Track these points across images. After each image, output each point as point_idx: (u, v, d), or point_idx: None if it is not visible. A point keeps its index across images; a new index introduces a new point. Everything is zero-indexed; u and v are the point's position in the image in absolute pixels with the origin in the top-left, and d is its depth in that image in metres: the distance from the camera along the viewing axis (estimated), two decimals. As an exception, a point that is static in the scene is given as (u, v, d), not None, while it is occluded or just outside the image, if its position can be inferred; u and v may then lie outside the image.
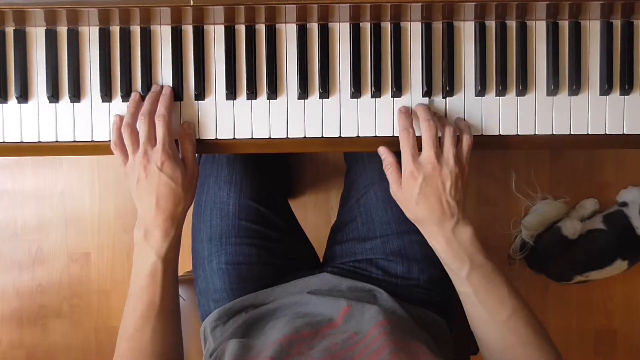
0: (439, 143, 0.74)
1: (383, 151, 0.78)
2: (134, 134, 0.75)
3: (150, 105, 0.76)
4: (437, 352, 0.73)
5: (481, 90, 0.80)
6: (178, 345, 0.79)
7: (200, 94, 0.79)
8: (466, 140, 0.76)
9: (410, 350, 0.68)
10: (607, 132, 0.81)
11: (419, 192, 0.73)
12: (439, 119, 0.77)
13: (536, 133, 0.81)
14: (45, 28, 0.78)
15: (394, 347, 0.66)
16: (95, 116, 0.79)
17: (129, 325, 0.75)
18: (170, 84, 0.79)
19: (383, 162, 0.78)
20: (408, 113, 0.78)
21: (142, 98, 0.78)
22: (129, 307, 0.75)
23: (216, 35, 0.79)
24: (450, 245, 0.74)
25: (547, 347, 0.72)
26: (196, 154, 0.79)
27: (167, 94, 0.77)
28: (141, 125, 0.74)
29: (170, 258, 0.75)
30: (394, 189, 0.77)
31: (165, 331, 0.75)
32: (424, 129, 0.74)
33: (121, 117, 0.77)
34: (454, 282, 0.76)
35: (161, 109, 0.76)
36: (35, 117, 0.79)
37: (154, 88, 0.78)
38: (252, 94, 0.79)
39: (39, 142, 0.79)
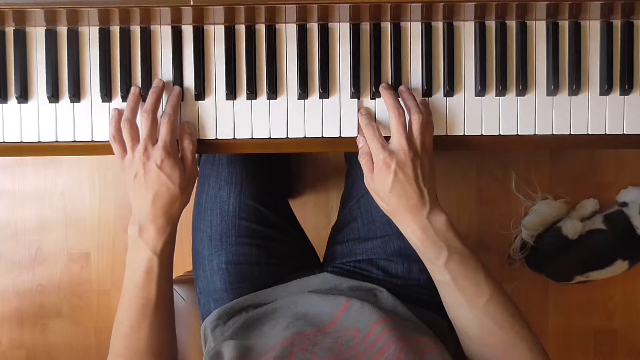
0: (407, 129, 0.74)
1: (360, 140, 0.78)
2: (134, 129, 0.75)
3: (153, 101, 0.76)
4: (439, 344, 0.72)
5: (481, 90, 0.80)
6: (173, 342, 0.79)
7: (200, 94, 0.79)
8: (430, 128, 0.76)
9: (415, 345, 0.68)
10: (607, 132, 0.81)
11: (393, 180, 0.72)
12: (406, 104, 0.77)
13: (536, 133, 0.81)
14: (45, 28, 0.78)
15: (399, 344, 0.66)
16: (95, 116, 0.79)
17: (124, 322, 0.75)
18: (170, 84, 0.79)
19: (359, 151, 0.78)
20: (367, 111, 0.79)
21: (142, 95, 0.78)
22: (124, 304, 0.75)
23: (216, 35, 0.79)
24: (426, 233, 0.73)
25: (526, 331, 0.72)
26: (196, 154, 0.79)
27: (176, 94, 0.77)
28: (143, 122, 0.74)
29: (165, 255, 0.75)
30: (367, 179, 0.76)
31: (160, 328, 0.75)
32: (394, 116, 0.74)
33: (120, 111, 0.77)
34: (431, 271, 0.75)
35: (168, 107, 0.76)
36: (35, 117, 0.79)
37: (156, 82, 0.78)
38: (252, 94, 0.79)
39: (39, 142, 0.79)
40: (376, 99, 0.80)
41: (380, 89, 0.78)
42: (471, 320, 0.72)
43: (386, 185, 0.73)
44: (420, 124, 0.74)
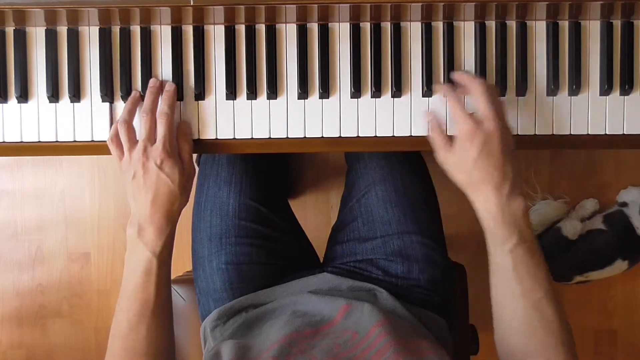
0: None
1: (428, 114, 0.77)
2: (131, 130, 0.75)
3: (151, 102, 0.76)
4: (439, 346, 0.72)
5: (481, 90, 0.80)
6: (171, 343, 0.79)
7: (200, 94, 0.79)
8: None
9: (413, 348, 0.68)
10: (607, 132, 0.81)
11: (480, 152, 0.69)
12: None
13: (536, 133, 0.81)
14: (45, 28, 0.78)
15: (397, 347, 0.66)
16: (95, 116, 0.79)
17: (122, 323, 0.75)
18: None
19: (430, 124, 0.76)
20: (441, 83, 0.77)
21: (142, 98, 0.78)
22: (123, 305, 0.75)
23: (216, 35, 0.79)
24: (502, 212, 0.70)
25: (567, 337, 0.70)
26: (196, 154, 0.79)
27: (170, 91, 0.77)
28: (143, 123, 0.74)
29: (164, 256, 0.75)
30: (442, 153, 0.74)
31: (159, 329, 0.75)
32: (479, 84, 0.72)
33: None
34: (492, 253, 0.72)
35: (164, 107, 0.76)
36: (35, 117, 0.79)
37: (152, 82, 0.77)
38: (252, 94, 0.79)
39: (39, 142, 0.79)
40: (376, 99, 0.80)
41: (452, 74, 0.77)
42: (519, 312, 0.70)
43: (470, 157, 0.70)
44: (497, 94, 0.73)
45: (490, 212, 0.71)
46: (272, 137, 0.80)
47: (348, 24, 0.79)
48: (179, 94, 0.79)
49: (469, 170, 0.71)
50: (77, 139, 0.79)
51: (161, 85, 0.78)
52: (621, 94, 0.81)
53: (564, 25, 0.80)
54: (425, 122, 0.79)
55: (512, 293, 0.71)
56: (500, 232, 0.70)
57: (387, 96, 0.80)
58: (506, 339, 0.73)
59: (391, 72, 0.79)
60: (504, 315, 0.73)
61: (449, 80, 0.79)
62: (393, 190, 0.91)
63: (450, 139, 0.74)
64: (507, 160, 0.70)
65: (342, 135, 0.80)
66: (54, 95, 0.78)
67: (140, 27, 0.79)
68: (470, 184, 0.72)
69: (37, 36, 0.79)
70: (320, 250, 1.03)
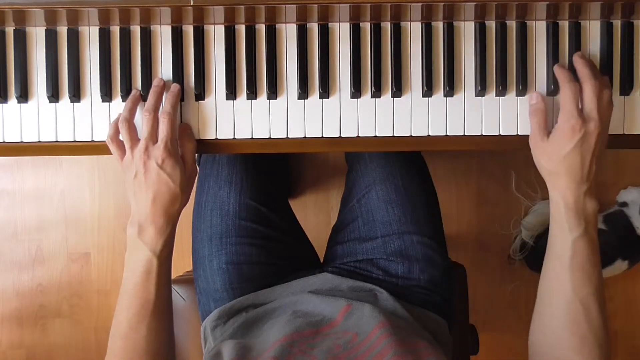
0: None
1: (536, 96, 0.77)
2: (132, 129, 0.75)
3: (154, 101, 0.76)
4: (438, 348, 0.72)
5: (481, 90, 0.80)
6: (171, 343, 0.79)
7: (200, 94, 0.79)
8: (612, 107, 0.75)
9: (413, 349, 0.68)
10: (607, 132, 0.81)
11: (574, 148, 0.72)
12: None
13: (536, 133, 0.81)
14: (45, 28, 0.78)
15: (398, 349, 0.66)
16: (95, 116, 0.79)
17: (122, 322, 0.75)
18: (170, 83, 0.79)
19: (532, 105, 0.77)
20: (566, 68, 0.77)
21: (142, 97, 0.78)
22: (123, 304, 0.75)
23: (216, 35, 0.79)
24: (576, 204, 0.72)
25: (606, 339, 0.71)
26: (196, 154, 0.79)
27: (175, 92, 0.77)
28: (145, 122, 0.74)
29: (164, 255, 0.75)
30: (536, 139, 0.75)
31: (159, 329, 0.75)
32: (592, 86, 0.73)
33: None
34: (554, 242, 0.75)
35: (167, 106, 0.76)
36: (35, 117, 0.79)
37: (156, 82, 0.77)
38: (252, 94, 0.79)
39: (39, 142, 0.79)
40: (376, 99, 0.80)
41: (575, 58, 0.77)
42: (565, 302, 0.72)
43: (562, 150, 0.72)
44: (609, 98, 0.74)
45: (565, 200, 0.73)
46: (272, 137, 0.80)
47: (348, 24, 0.79)
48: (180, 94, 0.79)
49: (557, 162, 0.73)
50: (77, 139, 0.79)
51: (165, 85, 0.78)
52: (621, 94, 0.81)
53: (564, 25, 0.80)
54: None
55: (563, 283, 0.72)
56: (569, 220, 0.73)
57: (387, 96, 0.80)
58: (544, 331, 0.74)
59: (391, 72, 0.79)
60: (549, 306, 0.74)
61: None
62: (393, 191, 0.91)
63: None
64: (594, 162, 0.73)
65: (342, 135, 0.80)
66: (54, 95, 0.78)
67: (140, 27, 0.79)
68: (554, 172, 0.74)
69: (37, 36, 0.79)
70: (321, 250, 1.03)
